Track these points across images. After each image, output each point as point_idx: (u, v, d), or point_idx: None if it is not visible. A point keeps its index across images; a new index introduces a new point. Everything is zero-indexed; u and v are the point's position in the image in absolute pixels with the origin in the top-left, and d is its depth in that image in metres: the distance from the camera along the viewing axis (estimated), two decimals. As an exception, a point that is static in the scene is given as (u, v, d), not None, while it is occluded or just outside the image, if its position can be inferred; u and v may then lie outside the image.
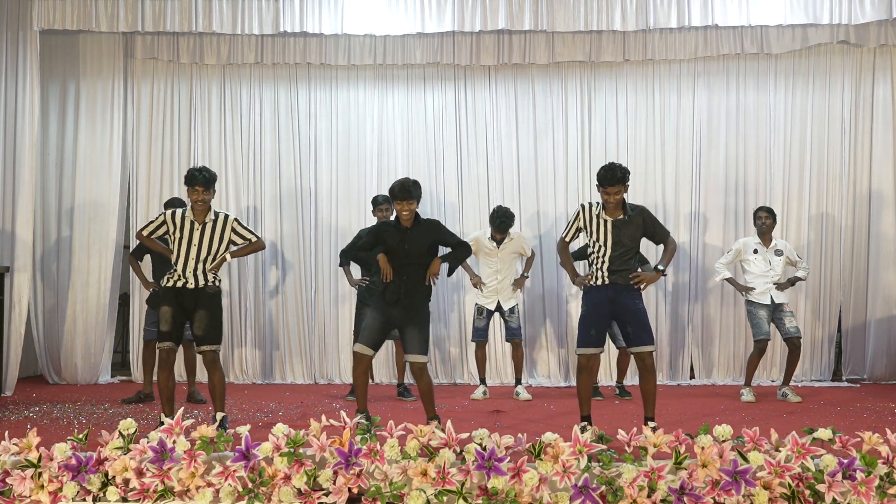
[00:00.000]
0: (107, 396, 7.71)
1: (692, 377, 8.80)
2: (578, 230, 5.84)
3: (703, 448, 4.01)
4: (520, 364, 7.94)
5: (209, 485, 4.07)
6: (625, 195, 5.67)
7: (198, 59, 8.99)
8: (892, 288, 8.67)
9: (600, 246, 5.69)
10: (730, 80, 8.93)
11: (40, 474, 4.12)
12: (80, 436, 4.33)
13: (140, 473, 4.10)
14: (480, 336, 7.92)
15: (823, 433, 4.16)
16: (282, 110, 9.10)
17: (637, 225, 5.70)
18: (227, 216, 5.96)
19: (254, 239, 6.01)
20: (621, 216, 5.67)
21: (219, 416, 5.38)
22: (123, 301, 9.29)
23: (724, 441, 4.09)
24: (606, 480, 4.01)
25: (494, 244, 7.87)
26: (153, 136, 9.02)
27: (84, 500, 4.12)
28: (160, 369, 5.83)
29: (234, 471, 4.05)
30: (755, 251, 7.72)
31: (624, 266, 5.64)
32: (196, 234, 5.84)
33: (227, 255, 5.94)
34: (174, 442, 4.16)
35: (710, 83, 8.94)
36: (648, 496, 3.96)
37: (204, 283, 5.82)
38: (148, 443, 4.17)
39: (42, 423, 6.33)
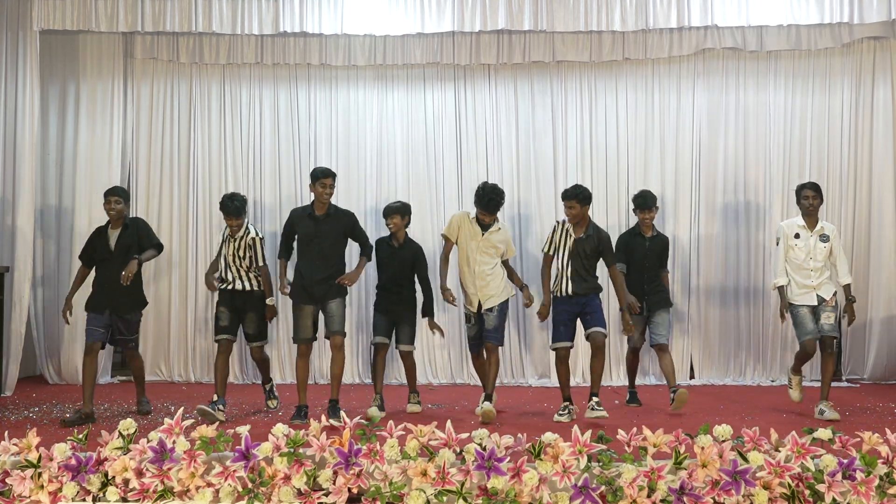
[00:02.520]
0: (107, 397, 7.72)
1: (692, 377, 8.80)
2: (554, 243, 6.87)
3: (702, 448, 4.01)
4: (492, 373, 6.77)
5: (209, 485, 4.08)
6: (589, 216, 6.84)
7: (197, 59, 9.00)
8: (892, 288, 8.66)
9: (563, 256, 6.77)
10: (729, 80, 8.93)
11: (40, 474, 4.12)
12: (80, 436, 4.33)
13: (140, 473, 4.10)
14: (476, 347, 7.05)
15: (823, 433, 4.16)
16: (282, 110, 9.11)
17: (593, 242, 6.76)
18: (255, 236, 6.87)
19: (261, 264, 6.88)
20: (583, 234, 6.76)
21: (268, 386, 7.22)
22: (123, 301, 9.29)
23: (723, 441, 4.09)
24: (606, 480, 4.01)
25: (479, 228, 6.83)
26: (153, 136, 9.03)
27: (84, 500, 4.12)
28: (219, 354, 6.85)
29: (234, 471, 4.05)
30: (797, 235, 6.84)
31: (584, 279, 6.72)
32: (231, 247, 6.89)
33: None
34: (174, 442, 4.16)
35: (710, 82, 8.94)
36: (648, 496, 3.96)
37: (251, 287, 6.85)
38: (148, 443, 4.17)
39: (42, 423, 6.34)
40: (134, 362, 7.13)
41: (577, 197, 6.71)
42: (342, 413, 4.75)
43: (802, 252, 6.78)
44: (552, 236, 6.88)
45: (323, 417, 4.34)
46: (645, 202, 7.30)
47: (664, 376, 7.25)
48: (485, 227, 6.84)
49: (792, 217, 7.29)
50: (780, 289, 6.86)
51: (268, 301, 6.88)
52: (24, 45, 8.08)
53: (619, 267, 6.95)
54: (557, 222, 7.01)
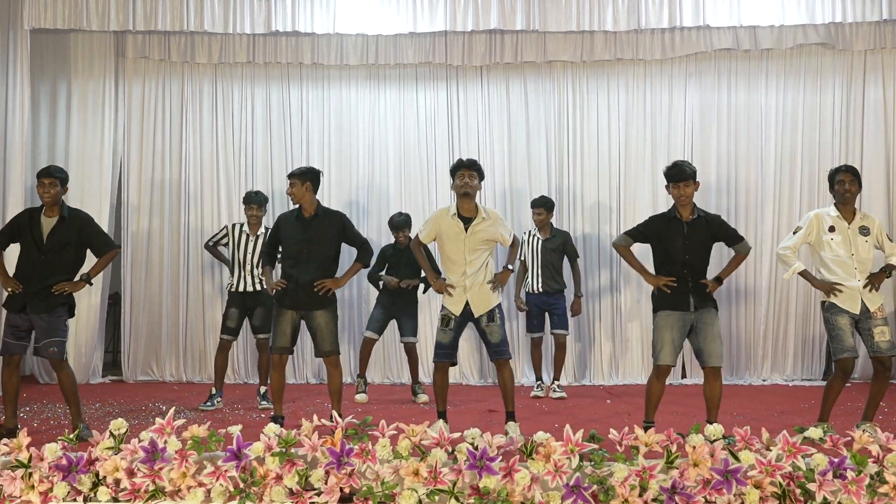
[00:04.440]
0: (98, 397, 7.69)
1: (684, 377, 8.81)
2: (525, 249, 7.91)
3: (694, 447, 4.02)
4: (511, 388, 5.89)
5: (200, 485, 4.06)
6: (551, 221, 7.96)
7: (189, 58, 8.98)
8: (882, 288, 8.64)
9: (533, 259, 7.86)
10: (721, 80, 8.95)
11: (31, 474, 4.10)
12: (71, 436, 4.31)
13: (131, 474, 4.08)
14: (444, 356, 5.87)
15: (814, 432, 4.16)
16: (274, 110, 9.09)
17: (558, 242, 7.88)
18: None
19: None
20: (548, 236, 7.90)
21: (262, 390, 7.34)
22: (115, 301, 9.27)
23: (715, 440, 4.09)
24: (598, 480, 4.01)
25: (461, 224, 5.83)
26: (144, 136, 9.00)
27: (75, 500, 4.10)
28: (219, 351, 7.30)
29: (226, 471, 4.04)
30: (831, 228, 5.73)
31: (550, 277, 7.84)
32: (251, 245, 7.32)
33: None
34: (165, 442, 4.15)
35: (702, 83, 8.97)
36: (640, 495, 3.95)
37: (261, 287, 7.21)
38: (139, 443, 4.15)
39: (33, 423, 6.32)
40: (61, 375, 5.89)
41: (546, 205, 7.91)
42: (334, 413, 4.71)
43: (842, 247, 5.70)
44: (522, 246, 7.84)
45: (315, 417, 4.33)
46: (680, 173, 5.51)
47: (707, 405, 5.61)
48: (467, 222, 5.85)
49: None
50: (803, 274, 5.87)
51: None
52: (14, 44, 8.06)
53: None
54: (525, 233, 8.03)
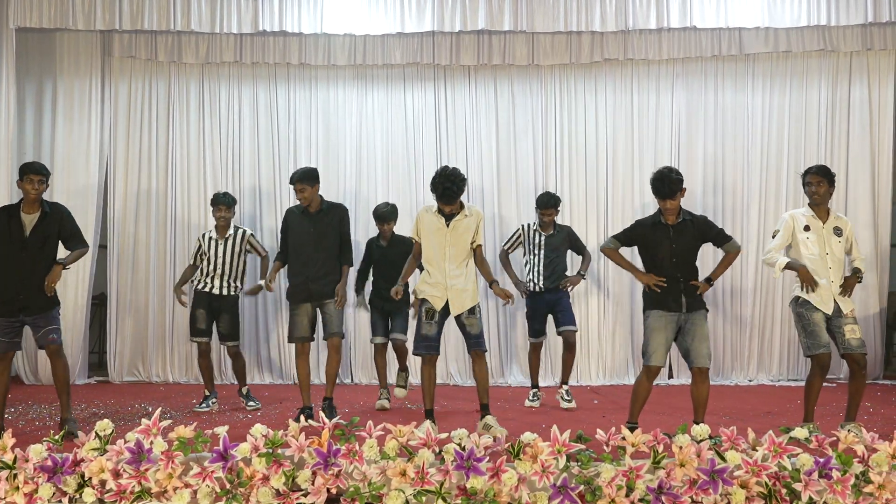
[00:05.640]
0: (83, 397, 7.65)
1: (671, 377, 8.83)
2: (519, 243, 7.59)
3: (680, 447, 4.03)
4: (484, 382, 5.95)
5: (187, 486, 4.05)
6: (555, 218, 7.47)
7: (176, 57, 8.94)
8: (866, 288, 8.71)
9: (535, 255, 7.43)
10: (708, 81, 8.99)
11: (15, 476, 4.08)
12: (56, 437, 4.29)
13: (117, 475, 4.07)
14: (430, 348, 5.95)
15: (800, 432, 4.19)
16: (261, 110, 9.07)
17: (562, 238, 7.47)
18: (244, 231, 7.31)
19: (264, 254, 7.33)
20: (551, 232, 7.45)
21: (244, 390, 7.31)
22: (100, 301, 9.22)
23: (701, 440, 4.11)
24: (585, 480, 4.02)
25: (443, 220, 5.92)
26: (131, 136, 8.96)
27: (60, 501, 4.09)
28: (200, 356, 7.24)
29: (212, 471, 4.03)
30: (807, 227, 5.83)
31: (553, 273, 7.35)
32: (220, 248, 7.17)
33: (264, 283, 6.96)
34: (151, 443, 4.14)
35: (689, 84, 9.00)
36: (627, 495, 3.97)
37: (228, 292, 7.16)
38: (125, 444, 4.14)
39: (18, 423, 6.28)
40: (57, 363, 5.88)
41: (557, 206, 7.46)
42: (321, 414, 4.71)
43: (816, 246, 5.77)
44: (517, 238, 7.60)
45: (302, 417, 4.32)
46: (668, 191, 5.53)
47: (694, 405, 5.57)
48: (449, 217, 5.90)
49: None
50: (789, 266, 5.80)
51: (260, 281, 7.04)
52: (0, 42, 8.01)
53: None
54: (521, 226, 7.66)
